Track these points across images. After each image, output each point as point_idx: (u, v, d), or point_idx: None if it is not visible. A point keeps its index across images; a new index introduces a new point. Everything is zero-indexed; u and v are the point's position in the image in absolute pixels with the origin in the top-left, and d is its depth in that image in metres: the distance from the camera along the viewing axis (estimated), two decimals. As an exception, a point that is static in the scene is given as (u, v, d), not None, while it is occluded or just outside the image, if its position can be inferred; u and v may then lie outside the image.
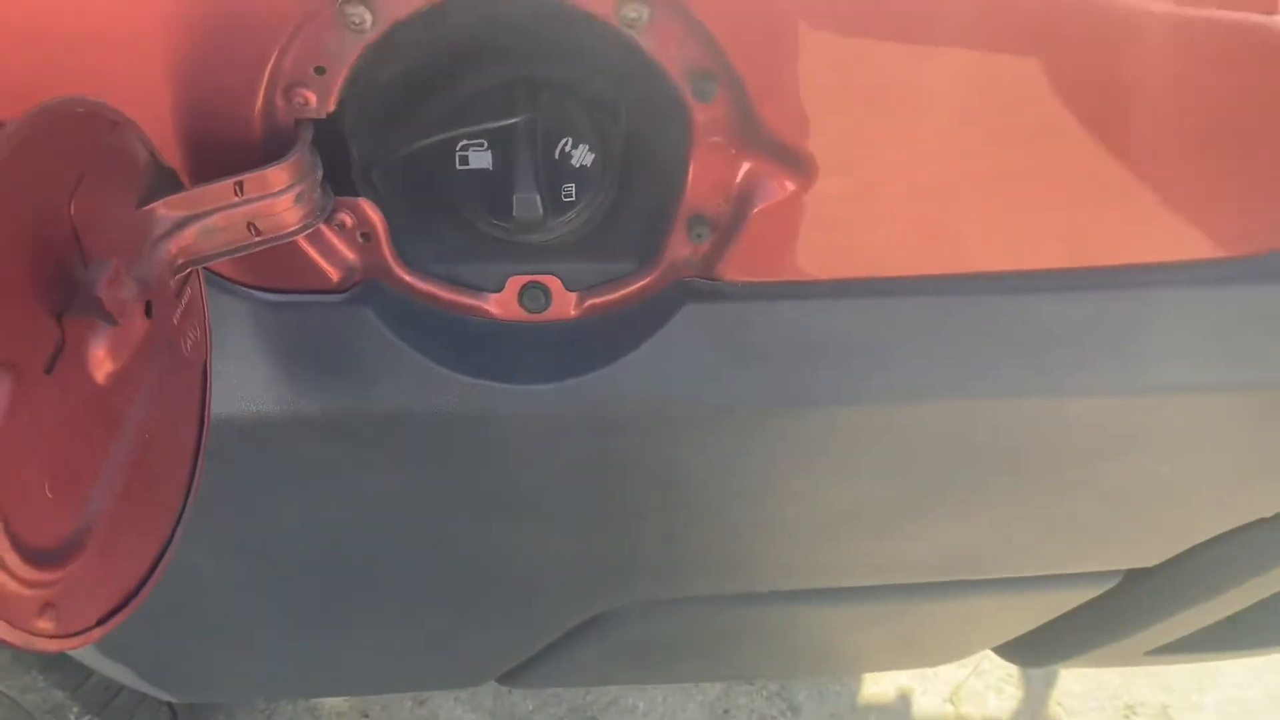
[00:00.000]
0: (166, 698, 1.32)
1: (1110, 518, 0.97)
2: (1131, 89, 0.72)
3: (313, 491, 0.90)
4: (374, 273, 0.81)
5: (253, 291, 0.80)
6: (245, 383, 0.81)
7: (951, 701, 2.20)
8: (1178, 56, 0.69)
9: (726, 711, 2.20)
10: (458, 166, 0.80)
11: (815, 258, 0.78)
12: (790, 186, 0.73)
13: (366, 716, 2.16)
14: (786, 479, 0.90)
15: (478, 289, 0.83)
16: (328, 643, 1.14)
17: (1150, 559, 1.05)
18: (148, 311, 0.64)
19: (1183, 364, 0.82)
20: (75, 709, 1.42)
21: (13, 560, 0.53)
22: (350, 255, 0.79)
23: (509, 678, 1.25)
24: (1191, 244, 0.78)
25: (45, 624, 0.57)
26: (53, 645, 0.58)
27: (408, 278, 0.81)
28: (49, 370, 0.56)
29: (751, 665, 1.33)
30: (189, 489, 0.74)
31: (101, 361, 0.61)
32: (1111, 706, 2.19)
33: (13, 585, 0.54)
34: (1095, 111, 0.72)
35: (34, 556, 0.55)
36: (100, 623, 0.63)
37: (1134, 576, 1.09)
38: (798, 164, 0.72)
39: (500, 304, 0.83)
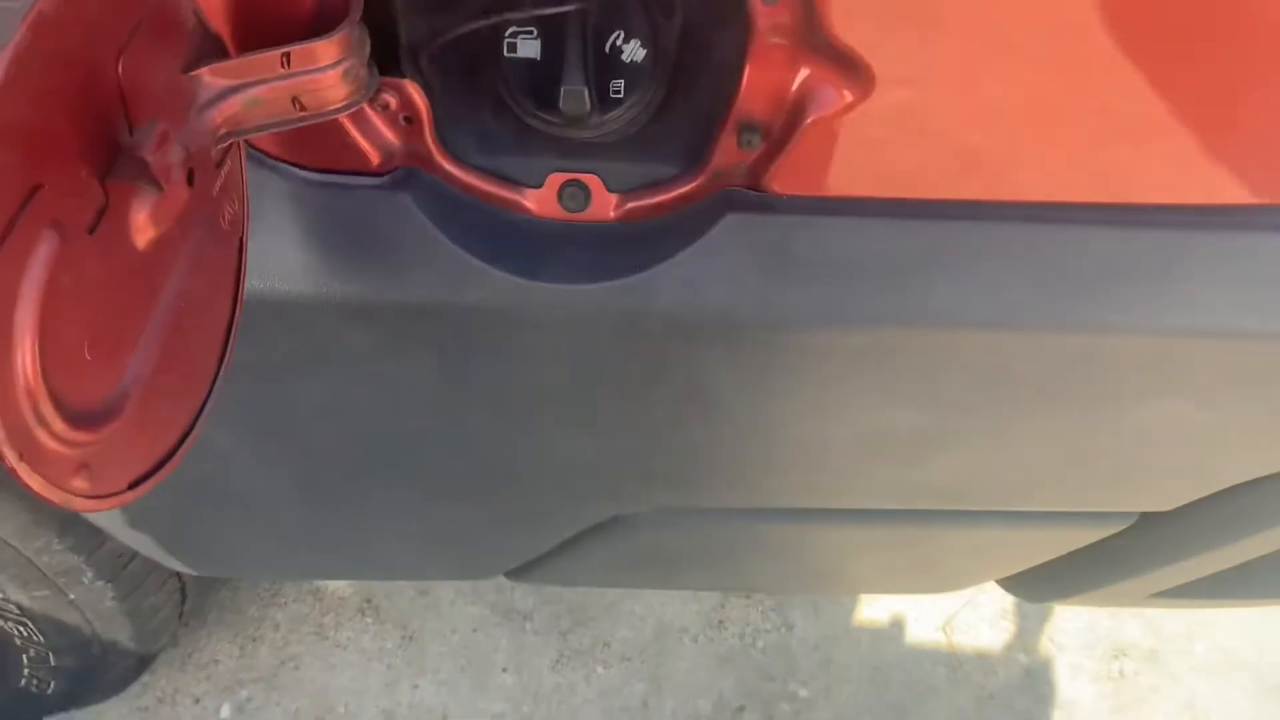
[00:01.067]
0: (179, 568, 1.34)
1: (1132, 459, 0.97)
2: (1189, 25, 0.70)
3: (337, 375, 0.90)
4: (414, 159, 0.80)
5: (292, 168, 0.78)
6: (278, 260, 0.80)
7: (944, 630, 2.24)
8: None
9: (721, 622, 2.24)
10: (505, 54, 0.78)
11: (865, 174, 0.76)
12: (848, 97, 0.71)
13: (369, 602, 2.20)
14: (816, 398, 0.89)
15: (517, 183, 0.82)
16: (341, 526, 1.15)
17: (1167, 503, 1.05)
18: (190, 180, 0.63)
19: (1221, 309, 0.81)
20: (89, 574, 1.45)
21: (53, 418, 0.54)
22: (392, 138, 0.78)
23: (516, 573, 1.26)
24: (1240, 188, 0.76)
25: (80, 483, 0.57)
26: (87, 505, 0.58)
27: (448, 166, 0.80)
28: (92, 231, 0.56)
29: (753, 579, 1.35)
30: (221, 362, 0.74)
31: (143, 227, 0.60)
32: (1102, 647, 2.23)
33: (52, 443, 0.54)
34: (1149, 46, 0.70)
35: (73, 416, 0.56)
36: (132, 486, 0.64)
37: (1148, 519, 1.09)
38: (857, 73, 0.70)
39: (539, 200, 0.82)
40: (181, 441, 0.70)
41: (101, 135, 0.56)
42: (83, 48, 0.54)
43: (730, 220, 0.79)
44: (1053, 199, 0.77)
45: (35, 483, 0.53)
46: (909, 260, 0.78)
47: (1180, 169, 0.76)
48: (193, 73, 0.64)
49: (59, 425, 0.54)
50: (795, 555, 1.22)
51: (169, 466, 0.68)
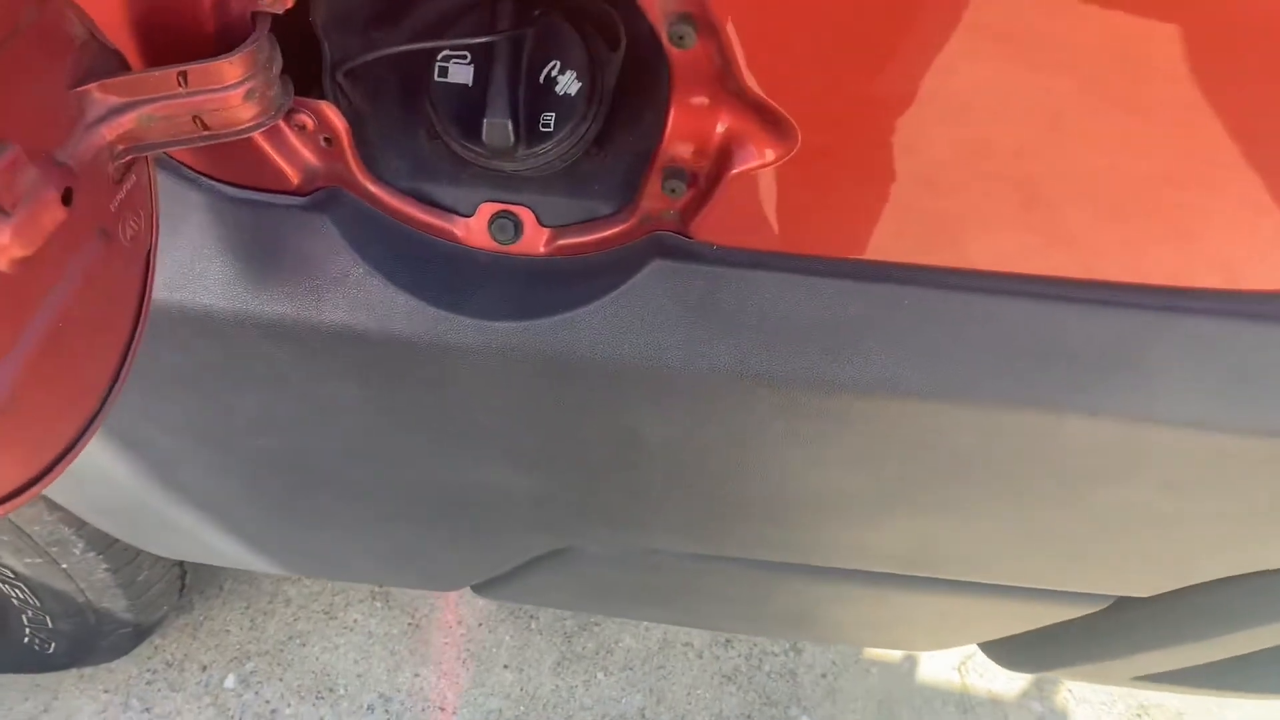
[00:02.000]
0: (149, 550, 1.35)
1: (1098, 543, 0.90)
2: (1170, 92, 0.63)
3: (266, 390, 0.88)
4: (338, 180, 0.77)
5: (213, 183, 0.77)
6: (199, 275, 0.79)
7: (959, 670, 2.17)
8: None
9: (729, 641, 2.19)
10: (436, 78, 0.75)
11: (794, 231, 0.71)
12: (770, 154, 0.66)
13: (380, 587, 2.21)
14: (744, 452, 0.85)
15: (448, 210, 0.79)
16: (295, 530, 1.14)
17: (1143, 590, 0.98)
18: (67, 199, 0.62)
19: (1188, 398, 0.74)
20: (79, 545, 1.47)
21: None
22: (311, 158, 0.76)
23: (483, 589, 1.24)
24: (1214, 272, 0.70)
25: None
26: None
27: (373, 189, 0.78)
28: (-66, 254, 0.54)
29: (720, 621, 1.31)
30: (116, 378, 0.72)
31: (4, 249, 0.58)
32: (1124, 704, 2.13)
33: None
34: (1119, 106, 0.63)
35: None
36: (-7, 505, 0.62)
37: (1126, 602, 1.02)
38: (779, 129, 0.65)
39: (468, 230, 0.79)
40: (62, 457, 0.69)
41: (-46, 156, 0.55)
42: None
43: (656, 266, 0.75)
44: (1003, 270, 0.71)
45: None
46: (840, 323, 0.73)
47: (1149, 247, 0.70)
48: (79, 89, 0.63)
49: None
50: (749, 600, 1.17)
51: (40, 485, 0.66)
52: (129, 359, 0.73)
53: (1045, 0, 0.56)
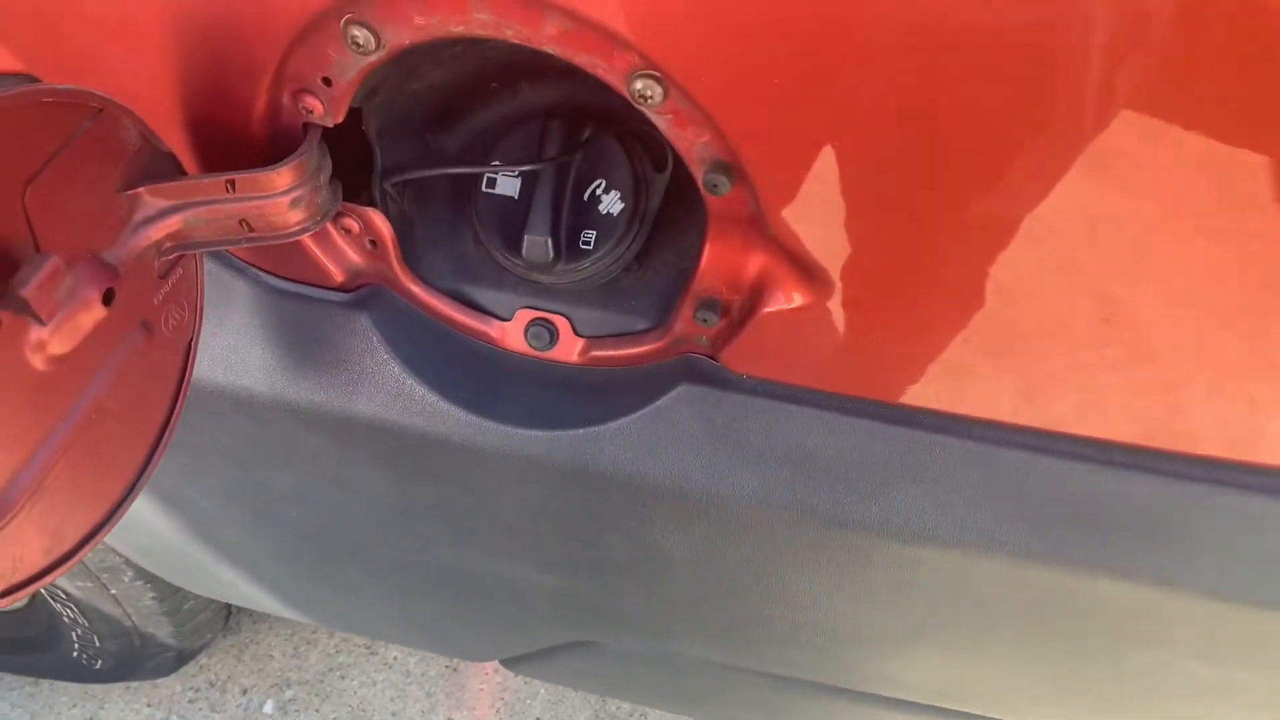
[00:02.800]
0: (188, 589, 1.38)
1: (1134, 700, 0.87)
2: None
3: (299, 469, 0.90)
4: (380, 278, 0.78)
5: (260, 274, 0.78)
6: (240, 360, 0.80)
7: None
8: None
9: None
10: (484, 188, 0.76)
11: (823, 369, 0.70)
12: (799, 299, 0.66)
13: (421, 627, 2.23)
14: (765, 576, 0.83)
15: (486, 313, 0.80)
16: (329, 593, 1.16)
17: (1179, 746, 0.94)
18: (107, 299, 0.64)
19: (1227, 571, 0.71)
20: (129, 573, 1.51)
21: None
22: (356, 259, 0.77)
23: (511, 664, 1.24)
24: (1257, 447, 0.67)
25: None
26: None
27: (414, 288, 0.79)
28: (-31, 354, 0.56)
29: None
30: (147, 463, 0.74)
31: (42, 348, 0.60)
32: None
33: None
34: (1167, 265, 0.61)
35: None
36: (6, 593, 0.64)
37: (1161, 754, 0.98)
38: (811, 275, 0.64)
39: (505, 333, 0.80)
40: (86, 541, 0.70)
41: (2, 262, 0.57)
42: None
43: (684, 390, 0.74)
44: (1036, 426, 0.69)
45: None
46: (867, 463, 0.72)
47: (1189, 416, 0.67)
48: (130, 192, 0.65)
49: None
50: (776, 710, 1.15)
51: (58, 571, 0.68)
52: (162, 444, 0.75)
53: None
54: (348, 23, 0.60)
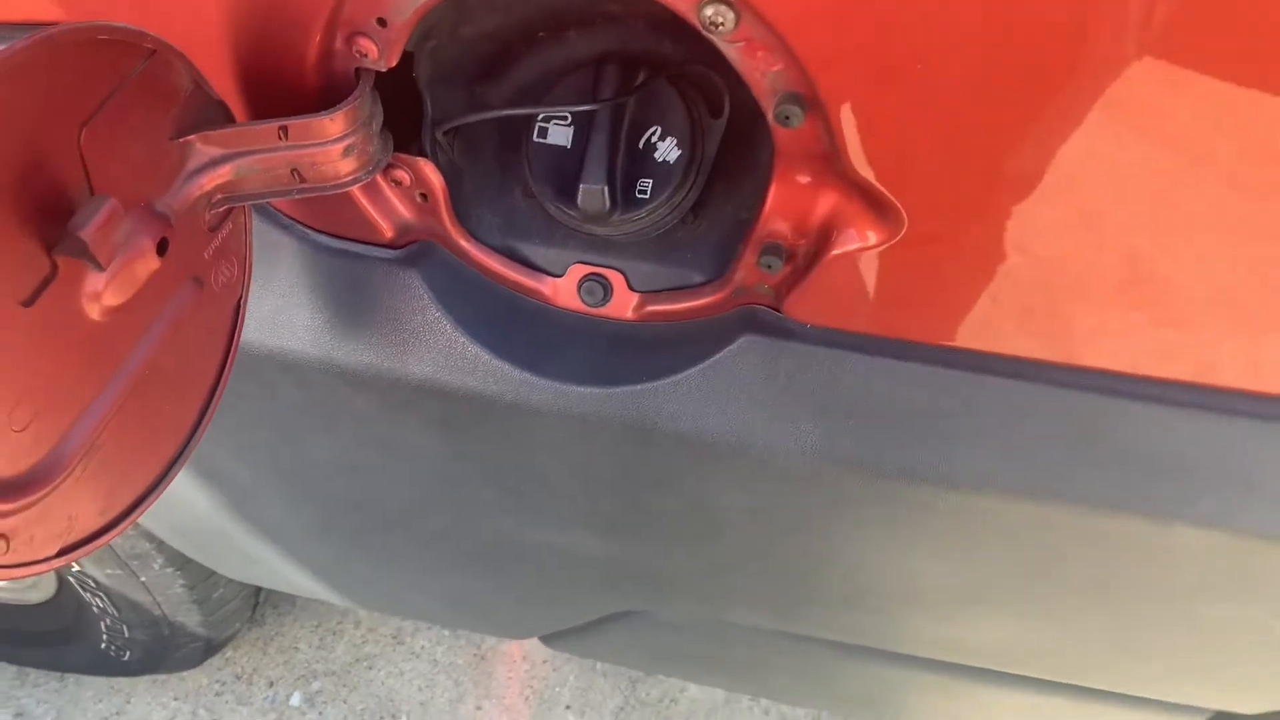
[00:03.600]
0: (221, 572, 1.37)
1: (1205, 656, 0.85)
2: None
3: (345, 434, 0.88)
4: (431, 234, 0.77)
5: (307, 231, 0.77)
6: (287, 321, 0.79)
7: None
8: None
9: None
10: (535, 138, 0.74)
11: (892, 315, 0.69)
12: (873, 237, 0.64)
13: (447, 616, 2.21)
14: (825, 534, 0.82)
15: (538, 269, 0.78)
16: (366, 568, 1.14)
17: (1247, 707, 0.92)
18: (160, 249, 0.62)
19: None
20: (159, 560, 1.49)
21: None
22: (406, 213, 0.75)
23: (550, 640, 1.23)
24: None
25: (-4, 553, 0.56)
26: (2, 574, 0.57)
27: (465, 245, 0.77)
28: (29, 303, 0.54)
29: (790, 694, 1.26)
30: (198, 424, 0.72)
31: (97, 298, 0.59)
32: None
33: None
34: (1252, 199, 0.59)
35: (-8, 485, 0.54)
36: (62, 553, 0.62)
37: (1227, 717, 0.96)
38: (884, 213, 0.62)
39: (557, 290, 0.78)
40: (138, 504, 0.69)
41: (55, 205, 0.55)
42: (25, 124, 0.53)
43: (746, 341, 0.72)
44: (1111, 368, 0.67)
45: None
46: (934, 412, 0.70)
47: (1265, 349, 0.65)
48: (182, 139, 0.63)
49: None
50: (821, 679, 1.13)
51: (115, 532, 0.67)
52: (212, 405, 0.73)
53: (1161, 76, 0.53)
54: (406, -44, 0.58)
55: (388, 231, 0.75)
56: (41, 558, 0.60)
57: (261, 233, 0.76)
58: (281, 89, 0.67)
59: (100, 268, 0.56)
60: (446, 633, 2.19)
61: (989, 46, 0.53)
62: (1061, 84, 0.53)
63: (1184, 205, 0.59)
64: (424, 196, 0.74)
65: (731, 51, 0.58)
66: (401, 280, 0.76)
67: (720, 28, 0.56)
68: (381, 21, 0.63)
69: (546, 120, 0.73)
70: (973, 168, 0.59)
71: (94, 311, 0.59)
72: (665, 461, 0.79)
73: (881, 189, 0.60)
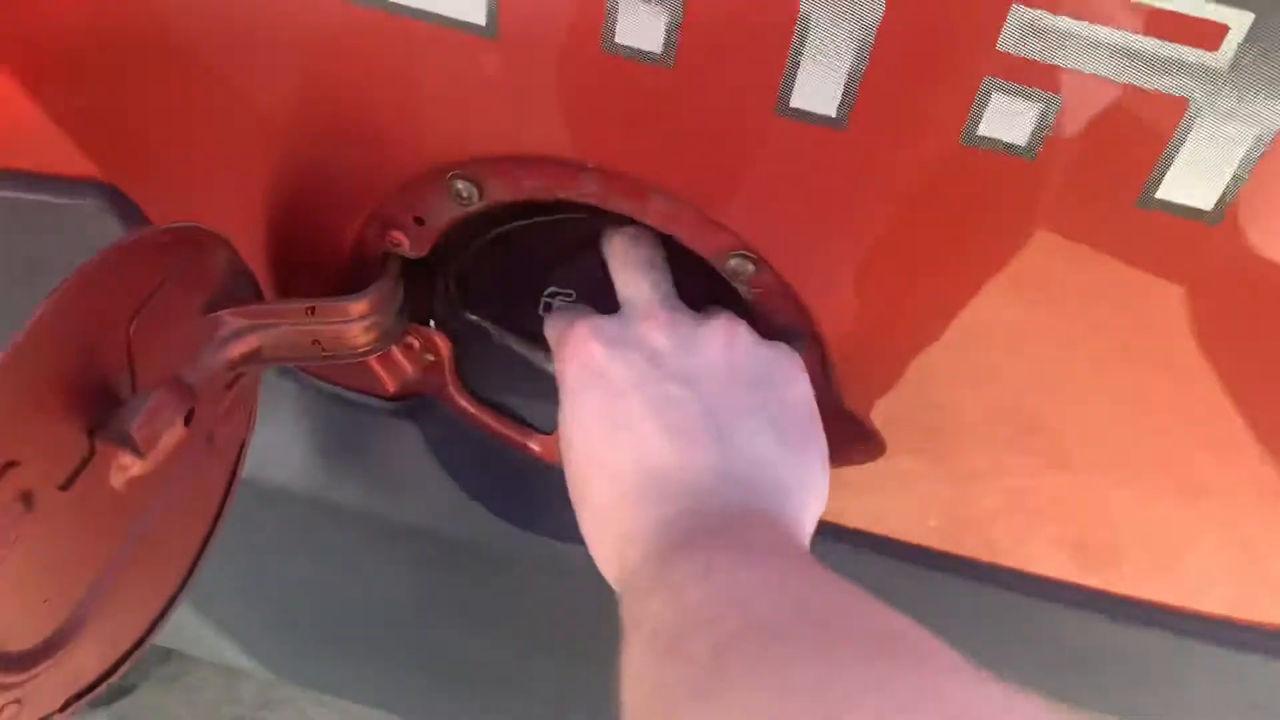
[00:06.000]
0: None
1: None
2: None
3: (318, 562, 0.91)
4: (430, 389, 0.80)
5: (310, 379, 0.79)
6: (280, 456, 0.81)
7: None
8: None
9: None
10: (540, 311, 0.78)
11: (868, 518, 0.75)
12: (855, 460, 0.70)
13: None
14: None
15: (528, 425, 0.82)
16: (354, 677, 1.16)
17: None
18: (187, 420, 0.64)
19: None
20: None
21: (-9, 676, 0.54)
22: (411, 372, 0.79)
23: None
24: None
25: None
26: (5, 739, 0.59)
27: (461, 401, 0.80)
28: (66, 487, 0.57)
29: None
30: (195, 563, 0.74)
31: (126, 471, 0.61)
32: None
33: (-21, 696, 0.54)
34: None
35: (10, 663, 0.56)
36: (65, 706, 0.64)
37: None
38: (868, 440, 0.68)
39: (543, 445, 0.82)
40: (132, 651, 0.70)
41: (101, 392, 0.57)
42: (90, 328, 0.55)
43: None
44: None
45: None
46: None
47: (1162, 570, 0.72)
48: (214, 314, 0.65)
49: (-4, 676, 0.55)
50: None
51: (113, 677, 0.68)
52: (209, 545, 0.75)
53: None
54: (454, 177, 0.62)
55: (391, 387, 0.78)
56: (49, 713, 0.62)
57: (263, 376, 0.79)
58: (308, 267, 0.70)
59: (140, 457, 0.58)
60: (357, 680, 2.19)
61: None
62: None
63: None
64: (430, 359, 0.77)
65: (747, 294, 0.63)
66: (400, 430, 0.79)
67: (740, 276, 0.62)
68: (419, 220, 0.66)
69: (551, 296, 0.78)
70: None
71: (118, 482, 0.61)
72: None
73: (867, 425, 0.67)
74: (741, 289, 0.63)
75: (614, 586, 0.57)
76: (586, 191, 0.61)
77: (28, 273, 0.72)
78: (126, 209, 0.69)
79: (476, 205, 0.63)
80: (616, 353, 0.59)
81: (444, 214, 0.65)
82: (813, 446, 0.59)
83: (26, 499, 0.53)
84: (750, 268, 0.61)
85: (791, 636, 0.41)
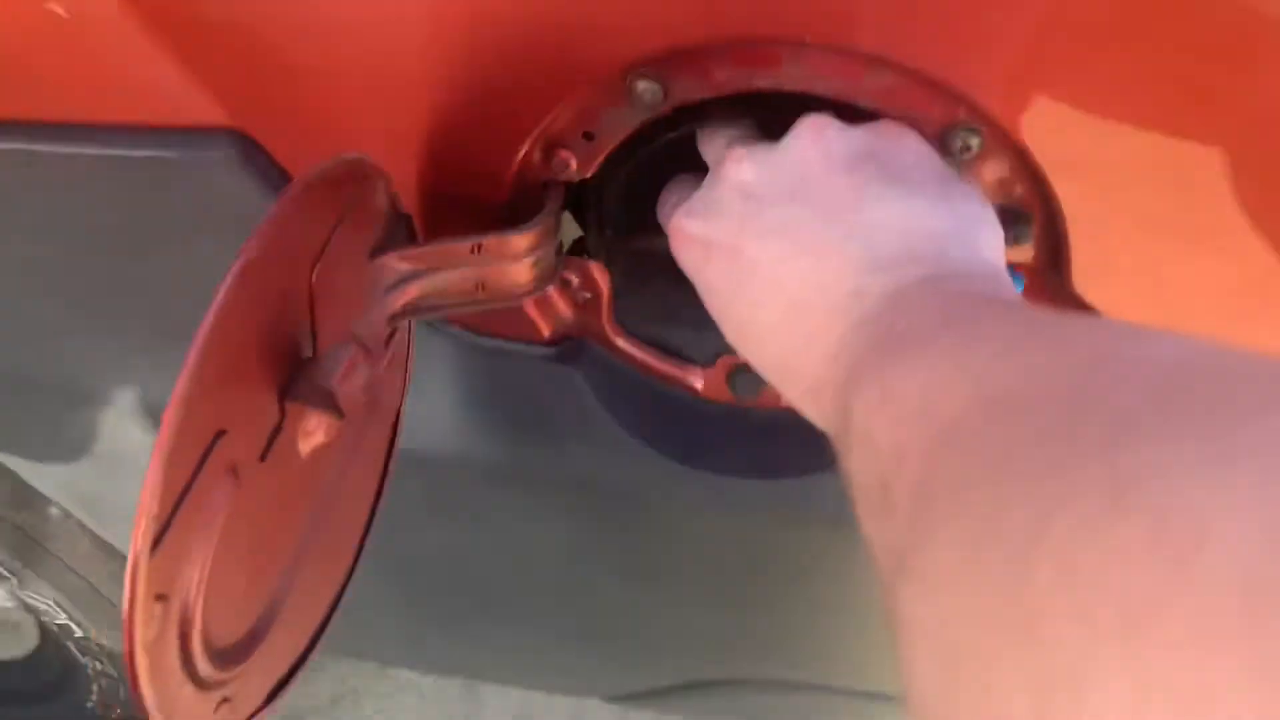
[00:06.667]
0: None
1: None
2: None
3: (462, 524, 0.85)
4: (585, 331, 0.74)
5: (460, 332, 0.73)
6: (428, 416, 0.75)
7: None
8: None
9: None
10: None
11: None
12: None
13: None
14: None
15: (687, 360, 0.76)
16: (443, 641, 1.11)
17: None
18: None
19: None
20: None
21: (204, 667, 0.49)
22: (567, 313, 0.73)
23: (617, 699, 1.22)
24: None
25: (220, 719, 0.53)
26: (225, 737, 0.54)
27: (619, 341, 0.75)
28: (264, 457, 0.51)
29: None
30: (365, 534, 0.69)
31: (312, 436, 0.55)
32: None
33: (195, 694, 0.49)
34: None
35: (221, 657, 0.51)
36: (269, 700, 0.59)
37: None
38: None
39: (707, 380, 0.76)
40: (320, 633, 0.65)
41: (287, 351, 0.52)
42: (282, 275, 0.49)
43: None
44: None
45: (177, 737, 0.48)
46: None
47: None
48: (379, 259, 0.59)
49: (209, 672, 0.50)
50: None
51: (305, 666, 0.63)
52: (377, 513, 0.70)
53: None
54: (636, 76, 0.56)
55: (545, 331, 0.73)
56: (254, 709, 0.57)
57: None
58: (461, 207, 0.64)
59: (340, 416, 0.53)
60: (432, 662, 2.15)
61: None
62: None
63: None
64: (586, 296, 0.72)
65: (968, 172, 0.58)
66: (560, 377, 0.73)
67: (967, 153, 0.56)
68: (588, 135, 0.60)
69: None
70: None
71: (306, 449, 0.55)
72: (818, 546, 0.79)
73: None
74: (962, 168, 0.57)
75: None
76: (788, 76, 0.55)
77: (160, 236, 0.66)
78: (258, 157, 0.63)
79: (661, 106, 0.57)
80: (709, 215, 0.54)
81: (620, 125, 0.59)
82: (951, 183, 0.52)
83: (234, 472, 0.48)
84: (975, 142, 0.55)
85: (1000, 445, 0.30)
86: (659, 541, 0.82)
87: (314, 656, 0.63)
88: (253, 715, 0.56)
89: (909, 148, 0.53)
